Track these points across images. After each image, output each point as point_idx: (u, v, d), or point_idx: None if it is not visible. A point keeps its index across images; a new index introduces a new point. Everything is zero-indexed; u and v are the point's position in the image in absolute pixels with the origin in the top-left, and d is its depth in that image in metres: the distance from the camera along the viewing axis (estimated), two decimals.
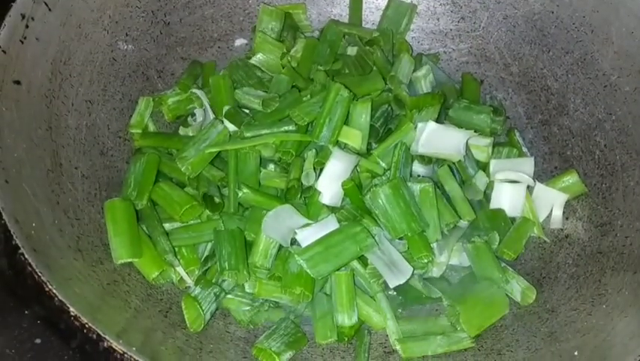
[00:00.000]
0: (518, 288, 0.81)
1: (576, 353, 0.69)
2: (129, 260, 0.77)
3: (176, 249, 0.82)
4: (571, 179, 0.91)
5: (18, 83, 0.79)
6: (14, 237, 0.65)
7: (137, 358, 0.59)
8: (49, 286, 0.63)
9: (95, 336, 0.60)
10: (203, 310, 0.76)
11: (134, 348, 0.60)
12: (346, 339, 0.78)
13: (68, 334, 0.86)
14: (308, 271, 0.76)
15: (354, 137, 0.84)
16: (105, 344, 0.60)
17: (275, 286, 0.80)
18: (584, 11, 0.95)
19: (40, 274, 0.64)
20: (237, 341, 0.77)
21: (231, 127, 0.87)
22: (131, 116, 0.94)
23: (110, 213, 0.79)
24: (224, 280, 0.80)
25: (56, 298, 0.62)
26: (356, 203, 0.81)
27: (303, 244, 0.78)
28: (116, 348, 0.60)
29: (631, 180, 0.86)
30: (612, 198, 0.87)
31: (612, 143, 0.91)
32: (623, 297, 0.74)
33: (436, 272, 0.84)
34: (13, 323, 0.88)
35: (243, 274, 0.78)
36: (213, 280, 0.80)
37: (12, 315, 0.88)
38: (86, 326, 0.61)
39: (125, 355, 0.60)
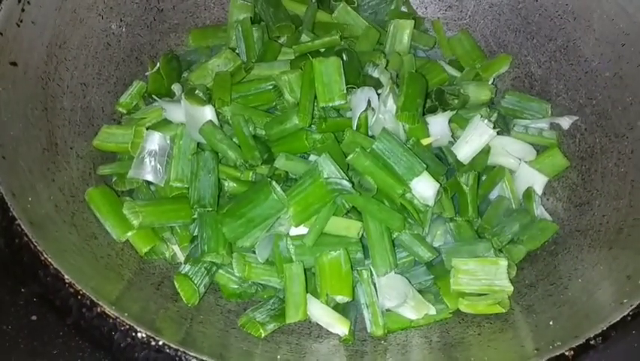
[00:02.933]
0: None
1: (551, 323, 0.72)
2: (129, 235, 0.80)
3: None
4: (553, 155, 0.94)
5: (14, 64, 0.81)
6: (11, 209, 0.67)
7: (129, 323, 0.62)
8: (45, 255, 0.65)
9: (88, 302, 0.62)
10: (196, 285, 0.79)
11: (126, 314, 0.63)
12: None
13: (64, 311, 0.89)
14: (293, 257, 0.79)
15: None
16: (99, 310, 0.62)
17: (264, 269, 0.82)
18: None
19: (36, 243, 0.66)
20: (227, 313, 0.80)
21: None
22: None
23: (92, 203, 0.82)
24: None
25: (51, 267, 0.64)
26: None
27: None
28: (109, 313, 0.62)
29: (609, 162, 0.89)
30: (591, 179, 0.90)
31: (592, 127, 0.94)
32: (599, 271, 0.77)
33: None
34: (9, 301, 0.90)
35: (224, 255, 0.80)
36: (202, 258, 0.83)
37: (8, 293, 0.90)
38: (80, 292, 0.63)
39: (118, 320, 0.62)
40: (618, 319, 0.65)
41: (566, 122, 0.96)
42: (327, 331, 0.79)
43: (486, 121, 0.90)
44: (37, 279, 0.89)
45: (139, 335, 0.62)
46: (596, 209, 0.86)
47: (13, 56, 0.81)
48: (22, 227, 0.66)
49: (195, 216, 0.83)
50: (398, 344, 0.77)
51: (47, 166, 0.80)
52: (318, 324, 0.80)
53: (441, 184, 0.83)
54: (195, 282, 0.80)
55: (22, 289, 0.90)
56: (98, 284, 0.67)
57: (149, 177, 0.86)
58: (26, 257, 0.89)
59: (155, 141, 0.87)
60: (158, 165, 0.86)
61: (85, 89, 0.92)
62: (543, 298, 0.78)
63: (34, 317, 0.89)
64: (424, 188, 0.82)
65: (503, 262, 0.79)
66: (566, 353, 0.63)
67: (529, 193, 0.91)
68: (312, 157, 0.86)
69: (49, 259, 0.65)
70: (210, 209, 0.82)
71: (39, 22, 0.85)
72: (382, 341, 0.79)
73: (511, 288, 0.78)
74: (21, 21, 0.82)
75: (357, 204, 0.81)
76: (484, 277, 0.78)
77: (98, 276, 0.72)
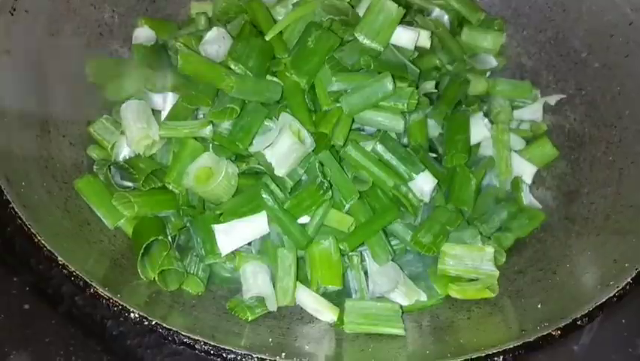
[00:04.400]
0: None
1: (539, 306, 0.73)
2: (121, 222, 0.81)
3: None
4: (543, 145, 0.95)
5: (8, 52, 0.81)
6: (5, 192, 0.67)
7: (122, 303, 0.62)
8: (39, 238, 0.65)
9: (81, 283, 0.63)
10: (194, 274, 0.80)
11: (118, 295, 0.63)
12: None
13: (56, 300, 0.89)
14: (285, 245, 0.81)
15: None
16: (92, 290, 0.63)
17: (254, 258, 0.82)
18: None
19: (29, 226, 0.66)
20: (219, 298, 0.80)
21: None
22: None
23: (82, 193, 0.82)
24: None
25: (45, 249, 0.65)
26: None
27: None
28: (102, 294, 0.63)
29: (598, 151, 0.90)
30: (580, 168, 0.91)
31: (581, 116, 0.95)
32: (586, 257, 0.79)
33: None
34: (2, 290, 0.91)
35: (218, 255, 0.80)
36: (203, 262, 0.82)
37: (1, 282, 0.91)
38: (74, 274, 0.63)
39: (111, 300, 0.62)
40: (604, 300, 0.66)
41: (553, 100, 0.98)
42: None
43: (486, 120, 0.92)
44: (29, 267, 0.90)
45: (132, 315, 0.62)
46: (584, 197, 0.87)
47: (6, 44, 0.81)
48: (16, 210, 0.67)
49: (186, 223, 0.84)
50: None
51: (40, 153, 0.81)
52: None
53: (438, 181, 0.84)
54: (193, 272, 0.81)
55: (15, 278, 0.91)
56: (91, 268, 0.68)
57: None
58: (19, 242, 0.91)
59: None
60: None
61: (77, 79, 0.92)
62: (532, 284, 0.79)
63: (26, 306, 0.90)
64: (423, 183, 0.84)
65: (489, 250, 0.80)
66: (553, 333, 0.64)
67: (516, 183, 0.92)
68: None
69: (43, 242, 0.65)
70: (196, 209, 0.83)
71: (32, 12, 0.85)
72: None
73: (497, 272, 0.79)
74: (14, 9, 0.83)
75: None
76: (470, 262, 0.80)
77: (91, 260, 0.73)
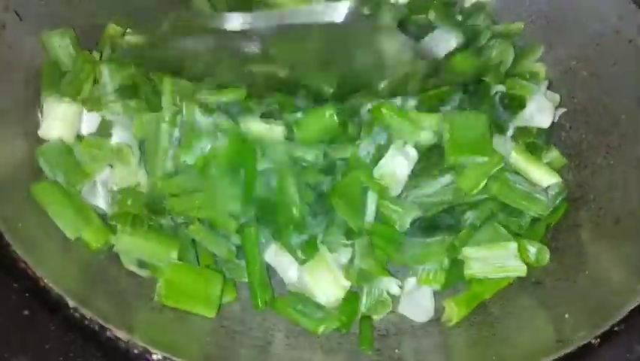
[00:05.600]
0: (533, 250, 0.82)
1: (567, 316, 0.71)
2: (80, 234, 0.78)
3: None
4: (550, 154, 0.94)
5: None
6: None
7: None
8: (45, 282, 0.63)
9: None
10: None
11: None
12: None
13: (56, 306, 0.85)
14: None
15: None
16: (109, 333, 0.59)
17: None
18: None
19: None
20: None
21: None
22: None
23: (41, 198, 0.78)
24: None
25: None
26: None
27: None
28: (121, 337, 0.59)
29: (597, 157, 0.90)
30: (581, 175, 0.91)
31: (575, 124, 0.95)
32: (604, 262, 0.78)
33: None
34: (1, 296, 0.86)
35: None
36: None
37: (0, 288, 0.86)
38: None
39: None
40: (638, 303, 0.65)
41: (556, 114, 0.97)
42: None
43: None
44: (28, 275, 0.85)
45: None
46: (591, 202, 0.87)
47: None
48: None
49: None
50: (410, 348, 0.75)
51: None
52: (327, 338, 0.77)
53: None
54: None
55: (14, 284, 0.86)
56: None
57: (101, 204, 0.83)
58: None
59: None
60: None
61: None
62: (552, 294, 0.77)
63: (26, 312, 0.85)
64: None
65: (512, 245, 0.78)
66: (593, 342, 0.62)
67: None
68: None
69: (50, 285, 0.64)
70: None
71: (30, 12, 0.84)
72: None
73: (524, 267, 0.78)
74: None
75: None
76: (495, 260, 0.78)
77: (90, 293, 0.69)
